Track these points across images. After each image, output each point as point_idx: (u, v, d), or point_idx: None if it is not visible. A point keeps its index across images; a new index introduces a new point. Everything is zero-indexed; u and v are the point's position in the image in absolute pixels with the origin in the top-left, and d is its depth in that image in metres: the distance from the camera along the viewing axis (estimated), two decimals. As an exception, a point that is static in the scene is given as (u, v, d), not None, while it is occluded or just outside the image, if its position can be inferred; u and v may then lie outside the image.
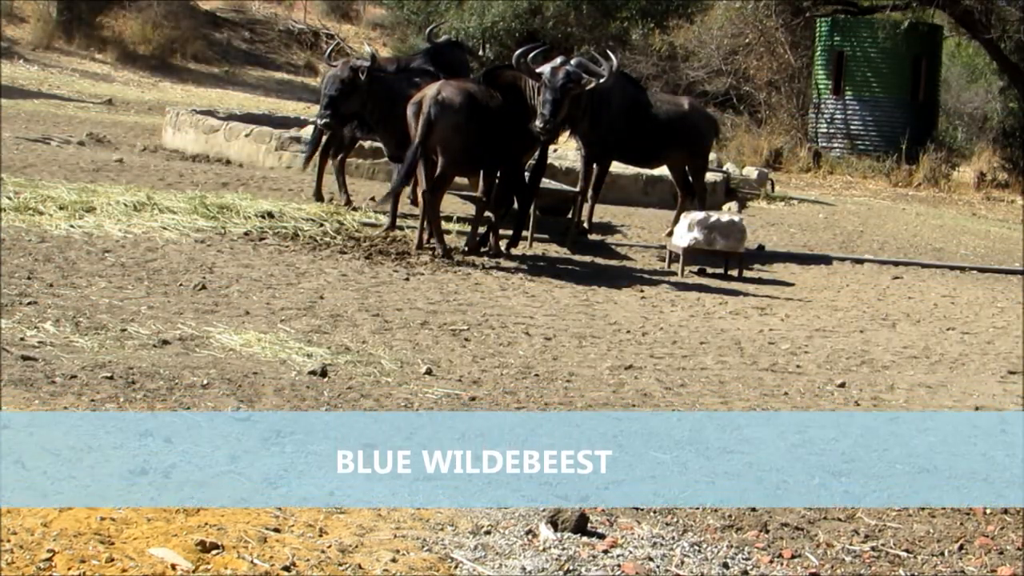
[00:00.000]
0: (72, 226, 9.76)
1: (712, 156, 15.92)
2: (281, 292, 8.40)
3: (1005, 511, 5.07)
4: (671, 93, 18.70)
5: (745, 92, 25.71)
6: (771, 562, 4.25)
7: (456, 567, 3.91)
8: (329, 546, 3.94)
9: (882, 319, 9.94)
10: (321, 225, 11.02)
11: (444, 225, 10.88)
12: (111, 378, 5.72)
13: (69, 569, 3.56)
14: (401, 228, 11.26)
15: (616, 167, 13.88)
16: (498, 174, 10.84)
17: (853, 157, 23.73)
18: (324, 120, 10.95)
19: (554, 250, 11.80)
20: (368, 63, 10.93)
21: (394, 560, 3.88)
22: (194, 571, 3.64)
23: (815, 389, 7.14)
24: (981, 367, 8.29)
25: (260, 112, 19.71)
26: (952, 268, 13.19)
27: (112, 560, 3.64)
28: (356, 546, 3.97)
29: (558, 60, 10.72)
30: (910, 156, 23.09)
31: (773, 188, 18.68)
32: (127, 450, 4.71)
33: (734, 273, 11.52)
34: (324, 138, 12.64)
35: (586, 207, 12.70)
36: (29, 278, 7.85)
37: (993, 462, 5.84)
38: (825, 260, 12.89)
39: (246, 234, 10.41)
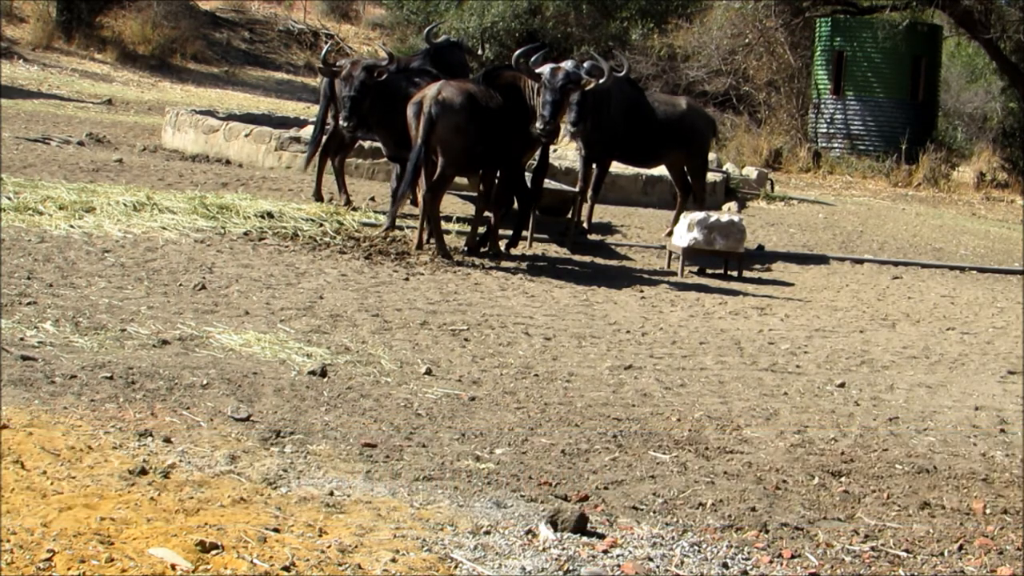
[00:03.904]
0: (72, 226, 9.75)
1: (712, 156, 15.93)
2: (281, 292, 8.40)
3: (1005, 511, 5.07)
4: (671, 93, 18.71)
5: (745, 92, 25.72)
6: (771, 562, 4.25)
7: (456, 567, 3.91)
8: (329, 546, 3.94)
9: (882, 319, 9.94)
10: (321, 225, 11.02)
11: (444, 225, 10.88)
12: (111, 378, 5.72)
13: (69, 569, 3.56)
14: (401, 228, 11.26)
15: (616, 167, 13.90)
16: (498, 174, 10.85)
17: (853, 157, 23.75)
18: (350, 122, 10.81)
19: (554, 250, 11.80)
20: (386, 62, 10.98)
21: (394, 560, 3.88)
22: (194, 571, 3.64)
23: (815, 389, 7.14)
24: (981, 367, 8.29)
25: (260, 112, 19.70)
26: (952, 268, 13.20)
27: (112, 560, 3.64)
28: (356, 546, 3.97)
29: (568, 63, 10.74)
30: (910, 156, 23.11)
31: (773, 188, 18.69)
32: (127, 450, 4.71)
33: (734, 273, 11.53)
34: (324, 138, 12.63)
35: (586, 207, 12.71)
36: (29, 278, 7.85)
37: (993, 462, 5.84)
38: (825, 260, 12.90)
39: (246, 234, 10.41)
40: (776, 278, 11.74)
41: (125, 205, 10.62)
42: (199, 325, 7.13)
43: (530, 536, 4.24)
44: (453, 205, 12.43)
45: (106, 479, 4.34)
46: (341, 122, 11.00)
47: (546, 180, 11.74)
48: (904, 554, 4.46)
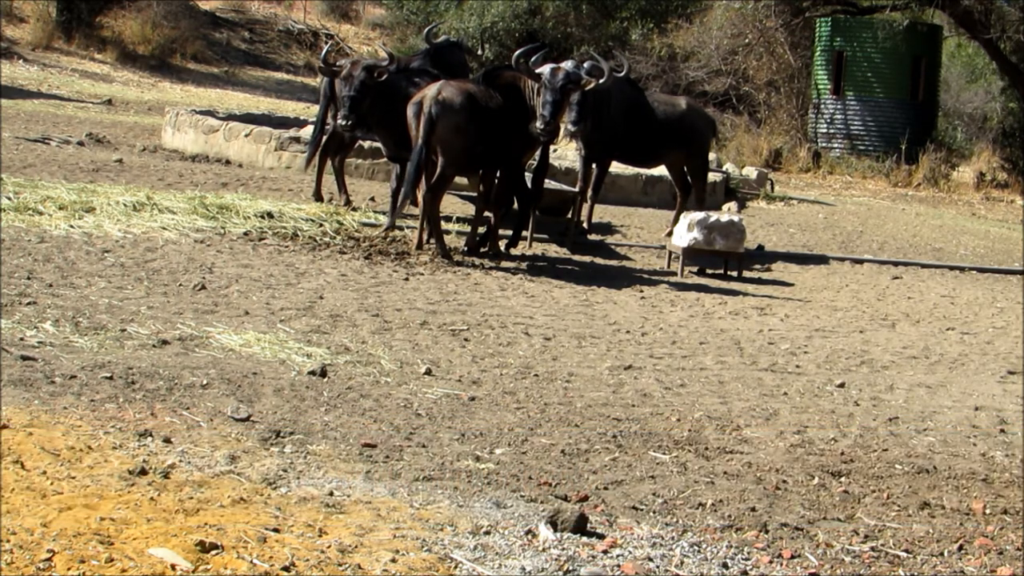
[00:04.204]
0: (72, 226, 9.75)
1: (712, 156, 15.93)
2: (281, 292, 8.39)
3: (1005, 511, 5.07)
4: (670, 93, 18.71)
5: (745, 92, 25.71)
6: (771, 562, 4.25)
7: (456, 567, 3.90)
8: (329, 546, 3.94)
9: (882, 319, 9.94)
10: (321, 225, 11.02)
11: (444, 225, 10.88)
12: (111, 378, 5.72)
13: (69, 569, 3.56)
14: (401, 228, 11.26)
15: (616, 167, 13.91)
16: (498, 174, 10.85)
17: (853, 157, 23.75)
18: (349, 121, 10.80)
19: (554, 250, 11.80)
20: (387, 63, 10.98)
21: (394, 560, 3.88)
22: (194, 571, 3.64)
23: (815, 389, 7.14)
24: (981, 367, 8.29)
25: (260, 112, 19.69)
26: (952, 268, 13.20)
27: (112, 560, 3.64)
28: (356, 546, 3.97)
29: (568, 63, 10.75)
30: (910, 156, 23.11)
31: (773, 188, 18.69)
32: (127, 450, 4.71)
33: (734, 273, 11.53)
34: (324, 138, 12.63)
35: (585, 207, 12.71)
36: (29, 278, 7.85)
37: (993, 462, 5.84)
38: (825, 260, 12.90)
39: (246, 234, 10.41)
40: (776, 278, 11.74)
41: (125, 205, 10.62)
42: (199, 325, 7.12)
43: (530, 536, 4.24)
44: (453, 205, 12.43)
45: (106, 479, 4.34)
46: (340, 121, 10.99)
47: (546, 180, 11.74)
48: (904, 554, 4.46)
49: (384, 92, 10.94)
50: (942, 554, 4.51)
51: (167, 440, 4.90)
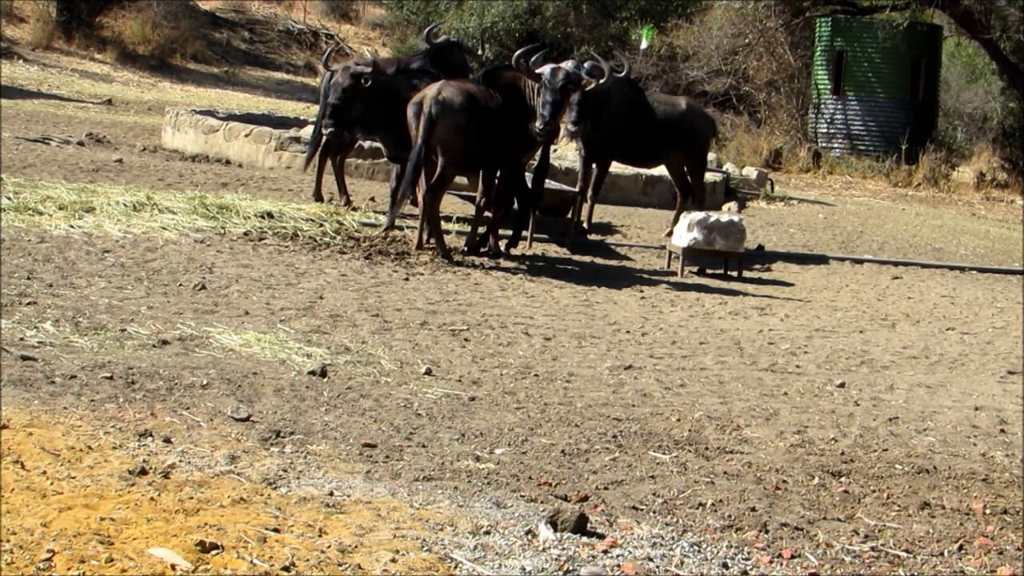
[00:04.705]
0: (72, 226, 9.75)
1: (712, 156, 15.93)
2: (281, 292, 8.39)
3: (1005, 511, 5.07)
4: (670, 93, 18.71)
5: (745, 92, 25.71)
6: (771, 562, 4.25)
7: (456, 567, 3.90)
8: (329, 546, 3.94)
9: (882, 319, 9.94)
10: (321, 225, 11.02)
11: (444, 225, 10.88)
12: (111, 378, 5.72)
13: (69, 569, 3.56)
14: (401, 228, 11.26)
15: (616, 167, 13.91)
16: (498, 174, 10.85)
17: (853, 157, 23.75)
18: (330, 129, 10.88)
19: (554, 250, 11.80)
20: (370, 70, 10.94)
21: (394, 560, 3.88)
22: (194, 571, 3.64)
23: (815, 389, 7.14)
24: (981, 367, 8.29)
25: (260, 112, 19.69)
26: (952, 268, 13.20)
27: (112, 560, 3.64)
28: (356, 546, 3.97)
29: (568, 63, 10.75)
30: (910, 156, 23.11)
31: (773, 188, 18.68)
32: (127, 450, 4.71)
33: (734, 273, 11.53)
34: (324, 138, 12.63)
35: (585, 207, 12.72)
36: (29, 278, 7.85)
37: (993, 462, 5.84)
38: (825, 260, 12.90)
39: (246, 234, 10.41)
40: (776, 278, 11.74)
41: (125, 205, 10.62)
42: (199, 325, 7.12)
43: (530, 536, 4.24)
44: (453, 205, 12.43)
45: (106, 479, 4.34)
46: (324, 129, 11.10)
47: (546, 180, 11.74)
48: (904, 554, 4.46)
49: (384, 92, 10.94)
50: (942, 554, 4.51)
51: (167, 440, 4.90)
